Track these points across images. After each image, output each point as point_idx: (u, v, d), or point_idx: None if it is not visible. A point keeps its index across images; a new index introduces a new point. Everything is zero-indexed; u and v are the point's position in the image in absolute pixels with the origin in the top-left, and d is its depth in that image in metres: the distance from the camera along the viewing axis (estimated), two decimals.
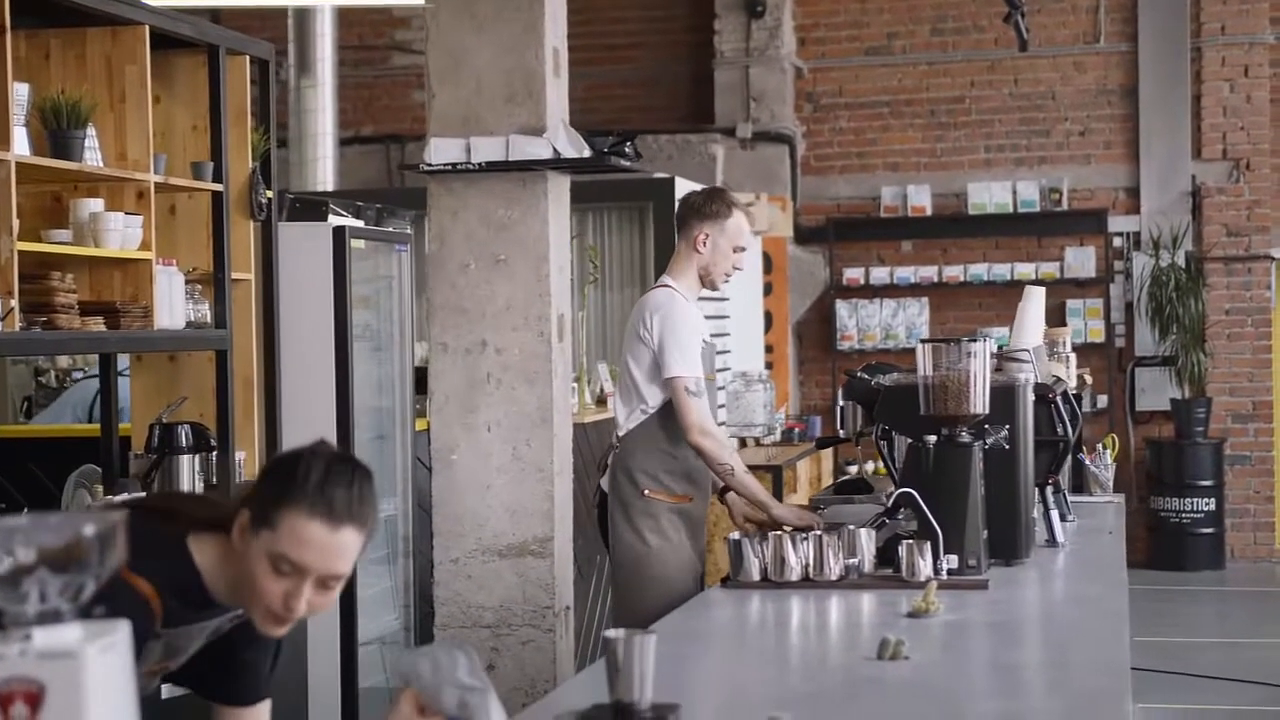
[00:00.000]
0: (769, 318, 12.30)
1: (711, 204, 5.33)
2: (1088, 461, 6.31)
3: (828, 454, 11.11)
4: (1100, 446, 6.44)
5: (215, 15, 13.11)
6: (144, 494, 5.36)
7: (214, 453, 5.70)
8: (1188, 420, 12.26)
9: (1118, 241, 12.69)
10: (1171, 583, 11.83)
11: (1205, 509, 12.20)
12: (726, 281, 5.40)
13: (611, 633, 2.69)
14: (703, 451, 5.11)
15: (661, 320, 5.15)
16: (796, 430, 10.96)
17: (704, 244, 5.27)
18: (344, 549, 2.63)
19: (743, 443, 10.60)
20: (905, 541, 4.20)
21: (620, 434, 5.31)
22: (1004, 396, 4.53)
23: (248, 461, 5.92)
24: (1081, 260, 12.60)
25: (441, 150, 5.55)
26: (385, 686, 6.59)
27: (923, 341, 4.45)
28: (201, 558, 2.74)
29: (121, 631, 1.82)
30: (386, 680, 6.60)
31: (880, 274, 12.85)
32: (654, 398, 5.18)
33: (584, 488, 6.47)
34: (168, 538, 2.76)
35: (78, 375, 8.58)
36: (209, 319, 5.69)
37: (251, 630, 2.80)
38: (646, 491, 5.20)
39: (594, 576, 7.67)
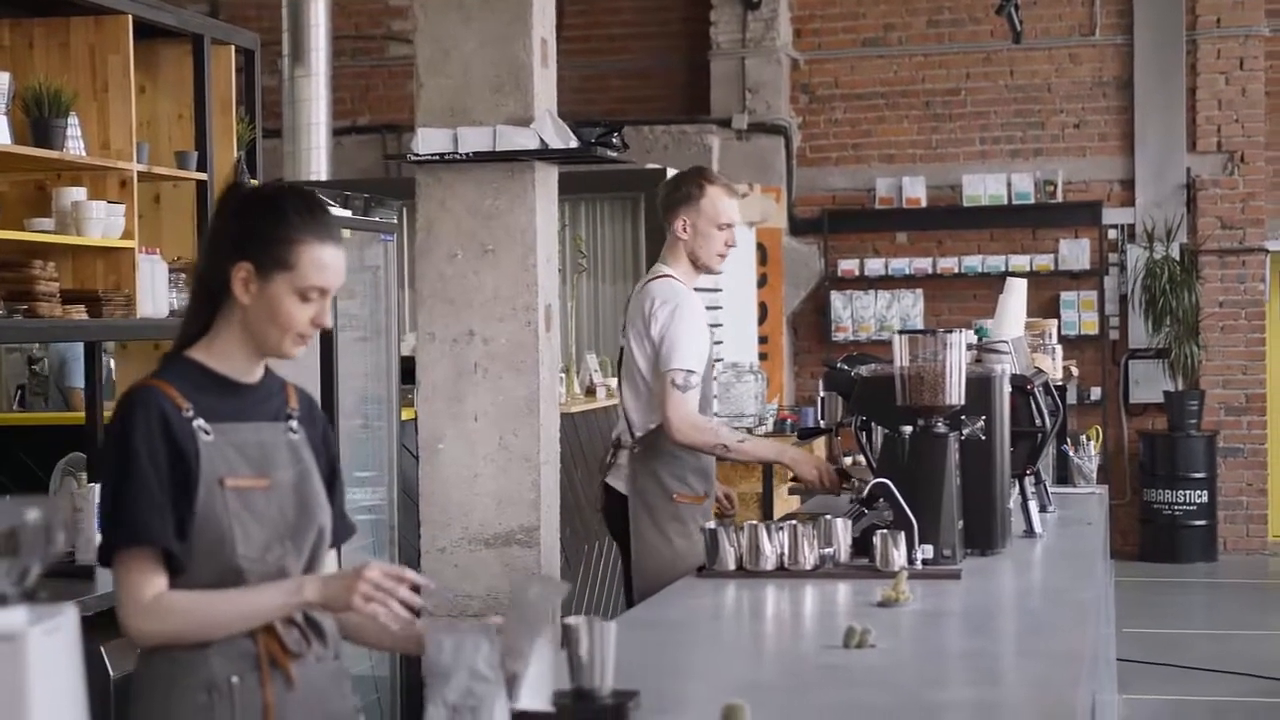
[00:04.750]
0: (764, 309, 12.31)
1: (681, 188, 5.25)
2: (1071, 453, 6.32)
3: (822, 444, 11.11)
4: (1084, 438, 6.45)
5: (214, 5, 13.16)
6: None
7: None
8: (1181, 413, 12.27)
9: (1112, 234, 12.70)
10: (1164, 575, 11.85)
11: (1198, 501, 12.22)
12: (722, 260, 5.29)
13: (572, 620, 2.71)
14: (694, 446, 5.07)
15: (671, 312, 5.10)
16: (789, 421, 10.96)
17: (685, 229, 5.21)
18: (344, 262, 2.95)
19: None
20: (880, 531, 4.21)
21: (638, 433, 5.21)
22: (980, 387, 4.53)
23: None
24: (1076, 253, 12.60)
25: (429, 140, 5.56)
26: (370, 675, 6.61)
27: (899, 332, 4.46)
28: (200, 355, 2.89)
29: (68, 615, 1.84)
30: (370, 669, 6.62)
31: (875, 265, 12.86)
32: None
33: (572, 478, 6.47)
34: (162, 362, 2.93)
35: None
36: None
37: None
38: (676, 496, 5.15)
39: (581, 566, 7.69)
